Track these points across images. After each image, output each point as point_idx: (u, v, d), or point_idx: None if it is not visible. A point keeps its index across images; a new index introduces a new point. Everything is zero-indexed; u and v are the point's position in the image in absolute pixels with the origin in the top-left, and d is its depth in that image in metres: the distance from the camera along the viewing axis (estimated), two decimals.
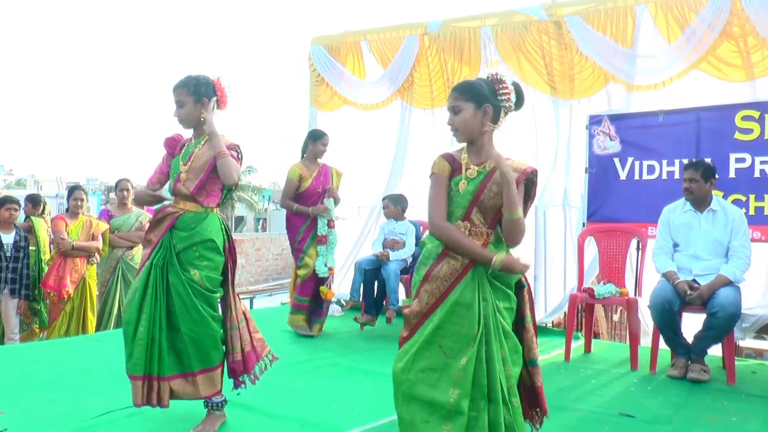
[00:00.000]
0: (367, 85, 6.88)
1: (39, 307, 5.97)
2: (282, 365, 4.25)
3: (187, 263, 3.01)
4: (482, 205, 2.31)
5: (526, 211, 2.40)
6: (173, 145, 3.23)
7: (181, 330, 2.97)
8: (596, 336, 5.88)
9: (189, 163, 3.07)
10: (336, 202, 5.41)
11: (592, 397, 3.78)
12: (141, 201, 3.77)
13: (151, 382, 2.97)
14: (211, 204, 3.10)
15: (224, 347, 3.10)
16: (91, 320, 5.92)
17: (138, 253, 6.26)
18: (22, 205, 6.25)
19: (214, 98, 3.14)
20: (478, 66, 6.14)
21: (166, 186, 3.26)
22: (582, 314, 5.43)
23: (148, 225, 6.22)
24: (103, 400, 3.44)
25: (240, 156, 3.14)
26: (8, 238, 5.67)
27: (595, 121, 5.54)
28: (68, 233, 5.81)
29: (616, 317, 6.80)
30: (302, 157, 5.47)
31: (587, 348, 5.00)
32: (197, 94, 3.07)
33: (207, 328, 3.00)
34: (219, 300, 3.10)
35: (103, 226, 6.05)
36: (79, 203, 6.00)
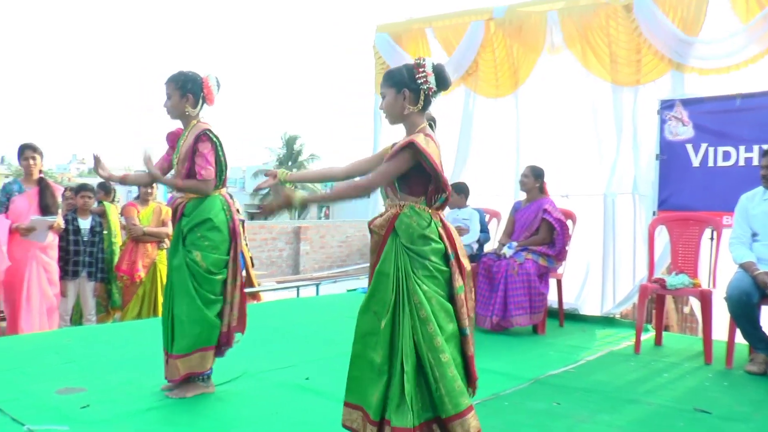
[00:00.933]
0: None
1: (112, 289, 6.20)
2: (349, 351, 4.30)
3: (190, 245, 3.27)
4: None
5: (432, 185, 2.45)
6: (174, 140, 3.48)
7: (174, 311, 3.26)
8: (666, 328, 5.70)
9: (178, 155, 3.35)
10: None
11: (664, 390, 3.66)
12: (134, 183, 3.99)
13: (167, 358, 3.34)
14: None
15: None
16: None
17: None
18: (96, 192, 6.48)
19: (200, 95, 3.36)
20: (540, 52, 6.02)
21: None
22: (652, 306, 5.27)
23: None
24: None
25: (212, 139, 3.30)
26: (85, 224, 5.89)
27: (666, 106, 5.34)
28: (139, 219, 6.00)
29: (686, 309, 6.57)
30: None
31: (658, 340, 4.86)
32: (183, 89, 3.31)
33: (197, 312, 3.22)
34: (219, 281, 3.30)
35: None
36: (149, 190, 6.18)
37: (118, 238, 6.31)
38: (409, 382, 2.32)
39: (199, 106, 3.38)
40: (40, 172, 5.36)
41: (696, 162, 5.23)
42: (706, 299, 4.41)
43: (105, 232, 6.11)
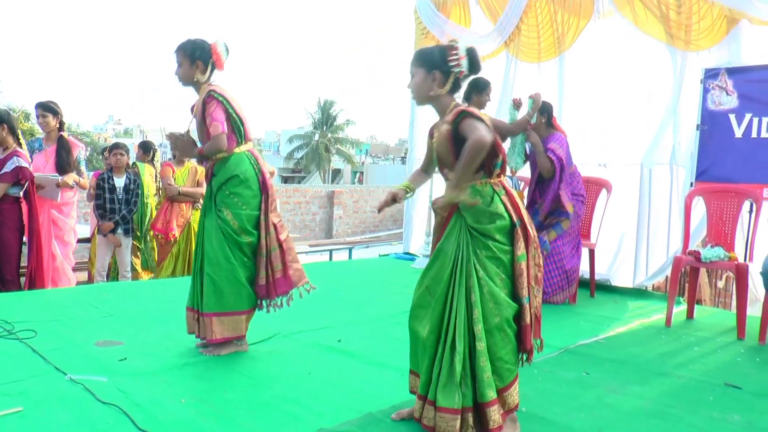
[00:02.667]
0: (474, 36, 6.71)
1: (142, 248, 6.32)
2: (384, 315, 4.37)
3: (221, 203, 3.33)
4: (443, 162, 2.54)
5: (469, 134, 2.34)
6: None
7: (205, 270, 3.29)
8: (699, 302, 5.63)
9: (193, 120, 3.43)
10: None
11: (695, 364, 3.64)
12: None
13: (193, 313, 3.40)
14: (231, 147, 3.35)
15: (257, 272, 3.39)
16: None
17: None
18: (131, 151, 6.57)
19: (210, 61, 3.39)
20: (589, 17, 5.87)
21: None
22: (685, 278, 5.21)
23: None
24: None
25: (217, 97, 3.31)
26: (120, 182, 5.99)
27: (711, 74, 5.20)
28: (175, 179, 6.08)
29: (720, 284, 6.47)
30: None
31: (690, 314, 4.81)
32: (192, 57, 3.36)
33: (228, 272, 3.27)
34: (250, 244, 3.34)
35: None
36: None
37: (152, 198, 6.42)
38: (460, 363, 2.35)
39: (208, 72, 3.43)
40: (60, 129, 5.48)
41: (739, 133, 5.10)
42: (741, 273, 4.34)
43: (139, 191, 6.22)
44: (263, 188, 3.40)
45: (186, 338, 3.59)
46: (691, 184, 5.25)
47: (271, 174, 7.89)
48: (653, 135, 5.59)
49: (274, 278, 3.40)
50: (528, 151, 5.17)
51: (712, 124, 5.22)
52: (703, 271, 5.83)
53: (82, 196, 6.60)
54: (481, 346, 2.35)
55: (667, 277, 5.41)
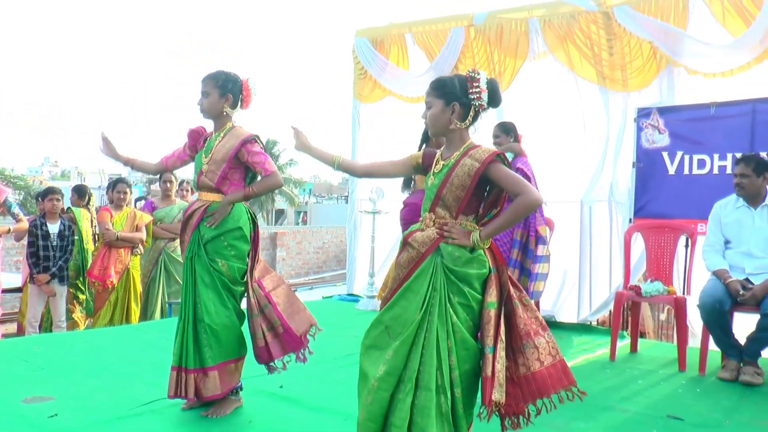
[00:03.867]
0: (411, 77, 6.84)
1: (84, 297, 6.10)
2: (325, 358, 4.27)
3: (215, 253, 3.11)
4: (445, 199, 2.37)
5: (521, 189, 2.29)
6: (196, 138, 3.32)
7: (204, 321, 3.04)
8: (642, 335, 5.73)
9: (210, 155, 3.16)
10: None
11: (638, 397, 3.67)
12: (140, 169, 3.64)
13: (180, 373, 3.04)
14: None
15: (253, 334, 3.17)
16: (135, 310, 6.02)
17: None
18: (67, 195, 6.38)
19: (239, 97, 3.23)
20: (524, 57, 6.04)
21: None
22: (628, 313, 5.30)
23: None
24: (147, 388, 3.49)
25: (262, 145, 3.20)
26: (54, 228, 5.79)
27: (643, 114, 5.40)
28: (113, 224, 5.91)
29: (662, 316, 6.62)
30: (420, 147, 5.22)
31: (633, 347, 4.88)
32: (224, 89, 3.17)
33: (229, 320, 3.09)
34: (242, 293, 3.17)
35: (147, 217, 6.14)
36: (122, 195, 6.09)
37: (90, 244, 6.22)
38: (460, 404, 2.24)
39: (237, 108, 3.25)
40: None
41: (672, 170, 5.29)
42: (680, 306, 4.44)
43: (75, 237, 6.01)
44: (254, 243, 3.21)
45: (120, 390, 3.43)
46: (630, 220, 5.39)
47: None
48: (592, 172, 5.73)
49: (279, 334, 3.16)
50: None
51: (647, 162, 5.39)
52: (645, 304, 5.95)
53: (10, 243, 6.35)
54: (458, 392, 2.24)
55: (610, 311, 5.50)
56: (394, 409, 2.24)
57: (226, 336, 3.07)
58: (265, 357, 3.17)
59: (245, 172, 3.21)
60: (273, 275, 3.31)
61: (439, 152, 2.49)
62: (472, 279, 2.30)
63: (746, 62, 4.99)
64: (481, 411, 2.27)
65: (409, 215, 5.09)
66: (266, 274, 3.28)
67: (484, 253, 2.34)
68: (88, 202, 6.59)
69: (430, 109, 2.42)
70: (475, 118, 2.41)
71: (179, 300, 6.17)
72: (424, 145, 5.17)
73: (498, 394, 2.22)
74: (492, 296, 2.30)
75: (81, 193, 6.62)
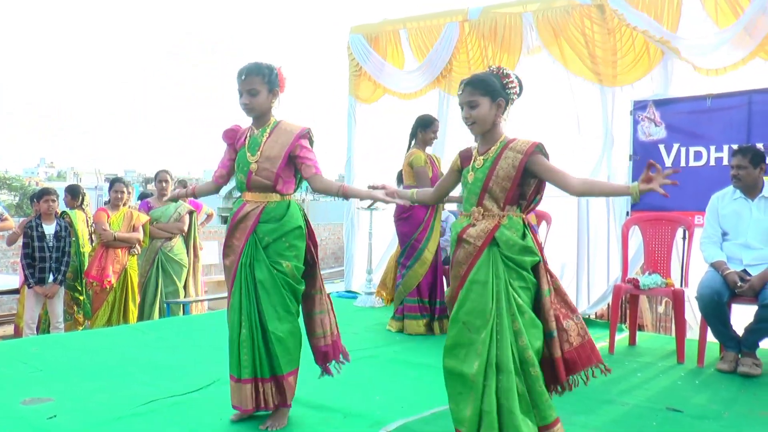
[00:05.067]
0: (405, 73, 6.84)
1: (82, 298, 6.08)
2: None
3: (277, 255, 2.95)
4: (492, 191, 2.49)
5: (558, 178, 2.49)
6: (233, 137, 3.16)
7: (269, 329, 2.90)
8: (641, 328, 5.74)
9: (259, 153, 2.99)
10: None
11: (638, 390, 3.68)
12: (203, 194, 3.53)
13: (257, 383, 2.94)
14: (290, 191, 3.06)
15: (314, 332, 3.09)
16: (133, 310, 6.01)
17: (177, 245, 6.34)
18: (61, 196, 6.35)
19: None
20: (518, 53, 6.04)
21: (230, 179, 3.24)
22: (626, 305, 5.31)
23: (186, 215, 6.33)
24: (146, 388, 3.48)
25: (312, 142, 3.09)
26: (49, 229, 5.77)
27: (639, 106, 5.39)
28: (110, 224, 5.90)
29: (660, 309, 6.63)
30: (410, 145, 5.23)
31: (632, 340, 4.89)
32: (272, 84, 3.01)
33: (292, 325, 2.96)
34: (304, 288, 3.06)
35: (144, 217, 6.13)
36: (120, 195, 6.08)
37: (86, 246, 6.20)
38: (537, 382, 2.36)
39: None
40: None
41: (668, 162, 5.28)
42: (678, 299, 4.45)
43: (72, 238, 5.99)
44: (312, 241, 3.10)
45: (119, 390, 3.43)
46: (627, 213, 5.39)
47: (210, 216, 7.71)
48: (589, 166, 5.73)
49: (335, 338, 3.12)
50: None
51: (643, 154, 5.39)
52: (643, 297, 5.97)
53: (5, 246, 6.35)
54: (535, 371, 2.36)
55: (608, 305, 5.50)
56: (484, 395, 2.36)
57: (293, 342, 2.97)
58: (331, 354, 3.11)
59: (295, 168, 3.06)
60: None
61: (475, 149, 2.60)
62: (527, 265, 2.44)
63: (740, 59, 4.99)
64: (555, 388, 2.49)
65: (407, 228, 5.12)
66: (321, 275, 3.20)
67: (533, 242, 2.46)
68: (82, 203, 6.56)
69: (475, 108, 2.50)
70: (505, 113, 2.56)
71: (177, 299, 6.22)
72: (413, 141, 5.21)
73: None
74: (545, 284, 2.46)
75: (74, 194, 6.59)
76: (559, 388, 2.51)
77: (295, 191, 3.13)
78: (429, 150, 5.30)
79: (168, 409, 3.19)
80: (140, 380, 3.67)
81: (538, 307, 2.46)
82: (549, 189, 4.84)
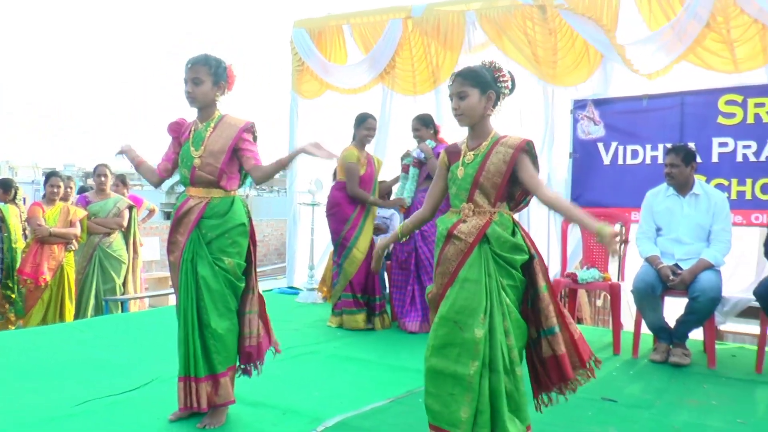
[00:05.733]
0: (349, 68, 6.83)
1: (14, 296, 5.87)
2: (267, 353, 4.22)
3: (219, 252, 2.91)
4: (483, 187, 2.46)
5: (534, 183, 2.47)
6: (178, 130, 3.11)
7: (210, 325, 2.86)
8: (580, 321, 5.89)
9: (203, 148, 2.95)
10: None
11: None
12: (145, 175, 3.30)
13: (189, 383, 2.89)
14: (234, 187, 3.03)
15: (242, 332, 3.02)
16: (69, 308, 5.84)
17: (116, 240, 6.18)
18: None
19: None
20: (460, 50, 6.10)
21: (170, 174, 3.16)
22: (565, 300, 5.44)
23: (126, 210, 6.17)
24: (82, 388, 3.39)
25: (255, 136, 3.05)
26: None
27: (579, 105, 5.53)
28: (45, 220, 5.71)
29: (599, 302, 6.81)
30: (354, 136, 5.23)
31: None
32: (217, 76, 2.98)
33: (231, 323, 2.93)
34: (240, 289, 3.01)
35: (81, 212, 5.96)
36: (56, 190, 5.89)
37: (19, 242, 5.99)
38: (521, 383, 2.36)
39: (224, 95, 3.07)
40: None
41: (607, 160, 5.43)
42: (615, 292, 4.58)
43: (4, 233, 5.78)
44: (253, 240, 3.06)
45: (54, 390, 3.32)
46: None
47: (152, 212, 7.54)
48: None
49: (260, 339, 3.06)
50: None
51: (583, 152, 5.53)
52: (582, 291, 6.12)
53: None
54: (519, 371, 2.37)
55: None
56: (480, 396, 2.33)
57: (230, 339, 2.92)
58: (255, 355, 3.05)
59: (239, 163, 3.02)
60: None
61: (463, 143, 2.57)
62: (516, 263, 2.42)
63: (669, 63, 5.18)
64: (560, 387, 2.50)
65: (334, 224, 5.18)
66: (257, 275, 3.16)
67: (524, 239, 2.45)
68: (14, 197, 6.32)
69: (464, 99, 2.47)
70: (495, 107, 2.52)
71: (116, 297, 6.07)
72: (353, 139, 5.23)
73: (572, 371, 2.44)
74: (541, 280, 2.44)
75: (5, 187, 6.34)
76: (555, 391, 2.52)
77: (239, 187, 3.09)
78: (370, 149, 5.33)
79: (104, 409, 3.11)
80: (76, 380, 3.57)
81: (534, 304, 2.44)
82: None
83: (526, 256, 2.44)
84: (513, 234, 2.43)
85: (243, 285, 2.99)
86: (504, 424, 2.31)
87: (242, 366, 3.08)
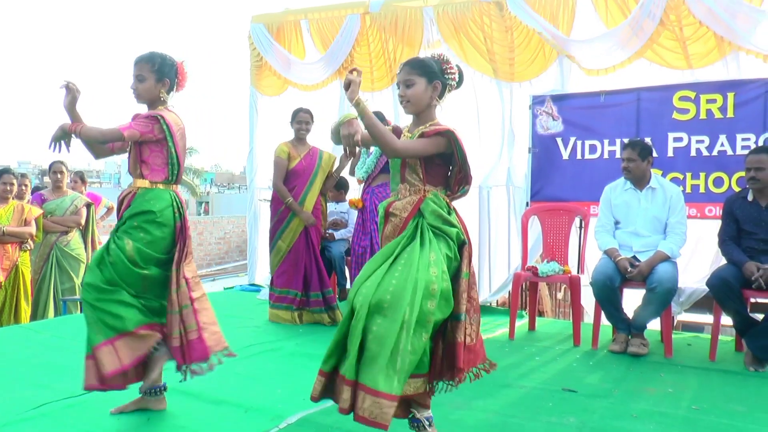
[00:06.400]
0: (307, 64, 6.80)
1: None
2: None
3: (123, 233, 2.96)
4: (410, 166, 2.54)
5: (458, 175, 2.55)
6: None
7: (84, 297, 2.91)
8: (540, 314, 5.99)
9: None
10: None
11: (535, 374, 3.83)
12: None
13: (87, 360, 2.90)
14: (157, 179, 3.02)
15: (170, 332, 2.96)
16: (25, 309, 5.69)
17: (73, 239, 6.05)
18: None
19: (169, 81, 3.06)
20: (419, 47, 6.12)
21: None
22: (526, 293, 5.51)
23: (84, 208, 6.04)
24: (38, 391, 3.31)
25: (162, 124, 2.97)
26: None
27: (538, 101, 5.59)
28: None
29: (560, 295, 6.93)
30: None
31: (531, 326, 5.08)
32: (160, 73, 3.02)
33: (103, 294, 2.87)
34: (145, 277, 2.96)
35: (36, 210, 5.81)
36: (8, 187, 5.72)
37: None
38: (391, 343, 2.22)
39: (172, 92, 3.10)
40: None
41: (565, 155, 5.51)
42: (574, 285, 4.66)
43: None
44: (179, 236, 3.04)
45: (9, 394, 3.24)
46: (527, 204, 5.59)
47: (110, 209, 7.39)
48: (490, 159, 5.89)
49: (188, 340, 2.97)
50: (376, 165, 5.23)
51: (542, 147, 5.59)
52: (543, 284, 6.21)
53: None
54: (425, 337, 2.31)
55: (509, 292, 5.69)
56: (353, 330, 2.27)
57: (93, 314, 2.86)
58: (179, 359, 3.00)
59: (166, 155, 3.02)
60: (200, 284, 3.15)
61: (406, 127, 2.66)
62: (453, 236, 2.46)
63: (627, 58, 5.28)
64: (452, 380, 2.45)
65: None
66: (196, 277, 3.12)
67: (456, 218, 2.51)
68: None
69: (411, 87, 2.52)
70: (442, 98, 2.59)
71: (74, 296, 5.93)
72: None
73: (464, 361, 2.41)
74: (466, 267, 2.47)
75: None
76: (447, 381, 2.49)
77: (171, 180, 3.07)
78: (329, 147, 5.31)
79: (60, 412, 3.04)
80: (33, 383, 3.48)
81: (454, 286, 2.43)
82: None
83: (462, 237, 2.49)
84: (448, 213, 2.50)
85: (145, 272, 2.95)
86: (376, 374, 2.21)
87: (185, 366, 3.00)
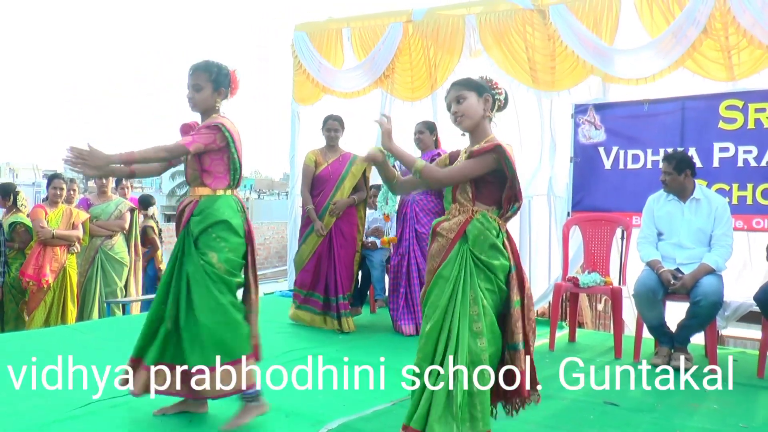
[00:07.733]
0: (347, 72, 6.85)
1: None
2: (264, 356, 4.22)
3: (204, 246, 2.94)
4: (462, 185, 2.52)
5: (507, 192, 2.49)
6: (188, 132, 3.14)
7: (200, 320, 2.87)
8: (581, 325, 5.90)
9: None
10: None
11: (576, 385, 3.76)
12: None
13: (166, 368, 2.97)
14: (220, 186, 3.04)
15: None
16: (72, 310, 5.85)
17: (117, 243, 6.20)
18: None
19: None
20: (459, 54, 6.12)
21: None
22: (567, 304, 5.45)
23: (127, 213, 6.19)
24: (85, 391, 3.39)
25: (223, 132, 2.99)
26: None
27: (580, 110, 5.54)
28: (48, 222, 5.72)
29: (600, 306, 6.82)
30: None
31: (572, 337, 5.02)
32: (217, 83, 3.03)
33: (225, 316, 2.89)
34: (240, 284, 3.03)
35: (84, 215, 5.97)
36: (59, 192, 5.90)
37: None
38: (461, 392, 2.29)
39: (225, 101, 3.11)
40: None
41: (608, 164, 5.44)
42: (616, 296, 4.59)
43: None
44: (249, 238, 3.07)
45: (56, 393, 3.33)
46: (568, 214, 5.53)
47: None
48: (531, 168, 5.86)
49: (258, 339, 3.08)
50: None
51: (584, 157, 5.54)
52: (583, 295, 6.13)
53: None
54: (488, 374, 2.35)
55: (549, 303, 5.64)
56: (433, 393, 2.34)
57: (223, 334, 2.88)
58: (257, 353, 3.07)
59: (227, 162, 3.03)
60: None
61: (464, 150, 2.62)
62: (496, 270, 2.41)
63: (667, 66, 5.18)
64: (515, 402, 2.53)
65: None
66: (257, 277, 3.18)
67: (504, 244, 2.45)
68: (15, 202, 6.04)
69: (463, 102, 2.52)
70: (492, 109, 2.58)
71: (117, 299, 6.07)
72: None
73: (529, 386, 2.46)
74: (516, 294, 2.44)
75: (5, 193, 6.10)
76: (509, 407, 2.56)
77: (232, 186, 3.08)
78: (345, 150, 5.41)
79: (108, 411, 3.12)
80: (79, 382, 3.56)
81: (505, 317, 2.43)
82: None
83: (507, 263, 2.43)
84: (497, 236, 2.43)
85: (238, 279, 3.00)
86: (431, 424, 2.29)
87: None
